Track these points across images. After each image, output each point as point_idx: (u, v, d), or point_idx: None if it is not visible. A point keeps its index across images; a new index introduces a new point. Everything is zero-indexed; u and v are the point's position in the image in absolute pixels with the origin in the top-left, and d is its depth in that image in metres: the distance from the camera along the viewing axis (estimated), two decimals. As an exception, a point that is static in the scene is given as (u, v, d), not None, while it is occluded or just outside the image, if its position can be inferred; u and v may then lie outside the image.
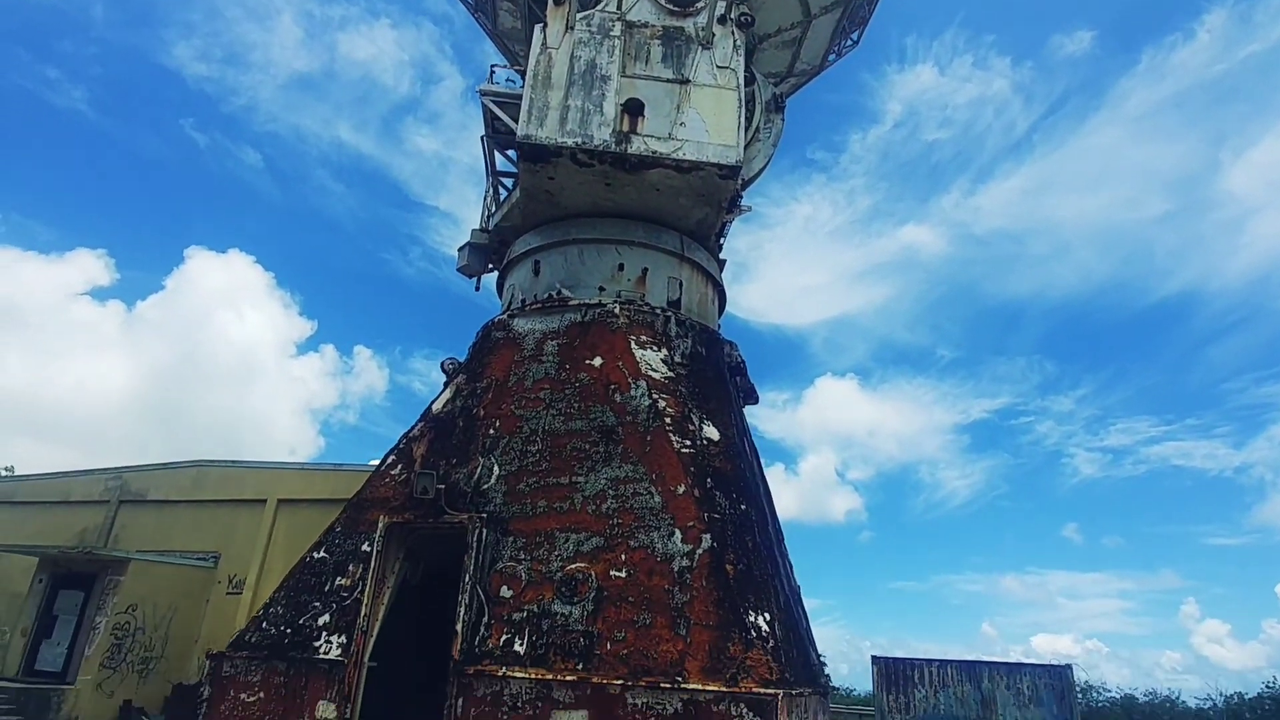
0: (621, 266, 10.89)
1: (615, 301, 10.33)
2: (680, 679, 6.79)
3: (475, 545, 7.99)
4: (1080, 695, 42.67)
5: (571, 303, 10.42)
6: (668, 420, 8.80)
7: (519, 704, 7.15)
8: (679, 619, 7.18)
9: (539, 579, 7.86)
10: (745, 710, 6.50)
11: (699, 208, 11.01)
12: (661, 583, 7.47)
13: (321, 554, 9.00)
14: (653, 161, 10.13)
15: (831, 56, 15.52)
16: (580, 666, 7.16)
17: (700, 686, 6.68)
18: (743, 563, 7.56)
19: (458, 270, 12.66)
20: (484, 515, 8.23)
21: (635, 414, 8.91)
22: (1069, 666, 27.52)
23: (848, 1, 14.14)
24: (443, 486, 8.38)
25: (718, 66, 10.79)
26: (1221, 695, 39.33)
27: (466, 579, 7.83)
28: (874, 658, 29.00)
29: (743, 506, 8.28)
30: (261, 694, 8.11)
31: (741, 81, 10.84)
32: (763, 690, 6.50)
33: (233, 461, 22.32)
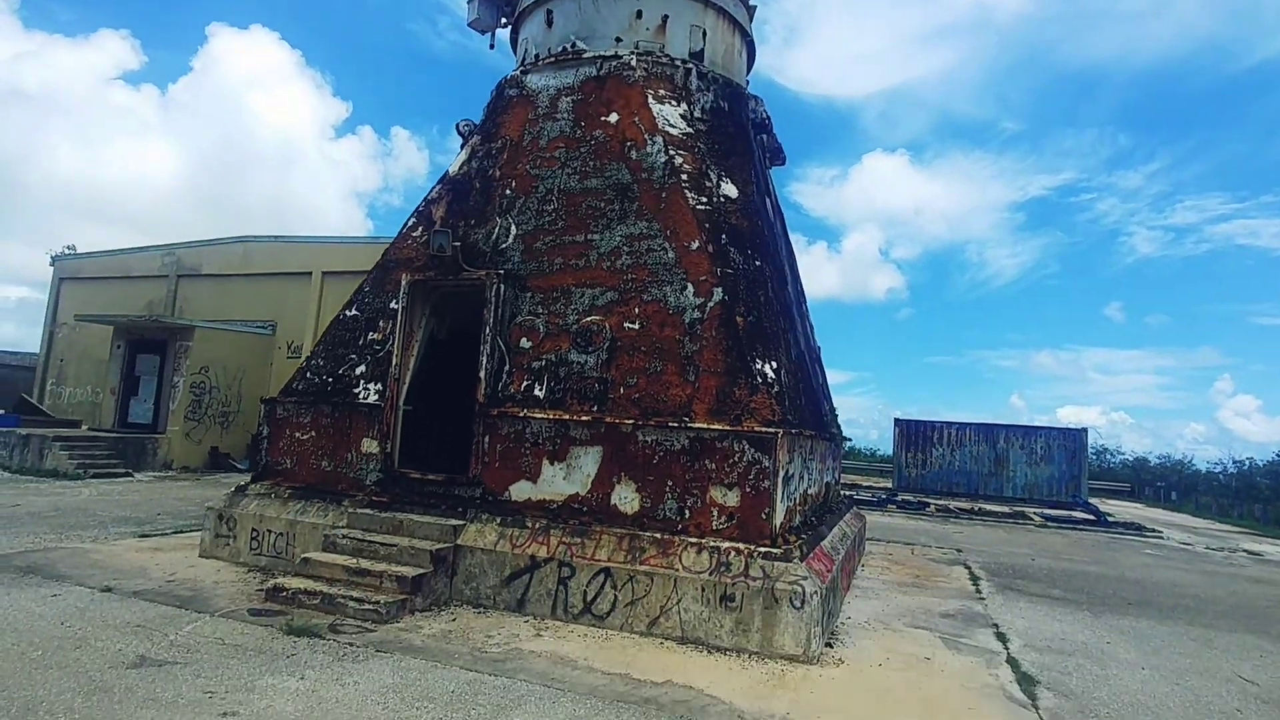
0: (640, 14, 10.00)
1: (632, 53, 9.63)
2: (688, 419, 7.25)
3: (494, 300, 8.27)
4: (1094, 457, 44.84)
5: (586, 55, 9.76)
6: (684, 177, 8.56)
7: (540, 441, 7.81)
8: (688, 366, 7.51)
9: (556, 331, 8.20)
10: (747, 446, 6.99)
11: (727, -63, 9.79)
12: (673, 334, 7.72)
13: (354, 312, 9.47)
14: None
15: None
16: (596, 409, 7.68)
17: (706, 425, 7.14)
18: (753, 315, 7.71)
19: (469, 25, 11.82)
20: (501, 272, 8.42)
21: (651, 171, 8.67)
22: (1084, 430, 28.69)
23: None
24: (458, 244, 8.51)
25: None
26: (1233, 460, 40.90)
27: (487, 331, 8.22)
28: (896, 419, 30.78)
29: (757, 263, 8.28)
30: (313, 432, 8.99)
31: None
32: (763, 429, 6.92)
33: (276, 237, 22.93)
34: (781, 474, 7.00)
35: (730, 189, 8.86)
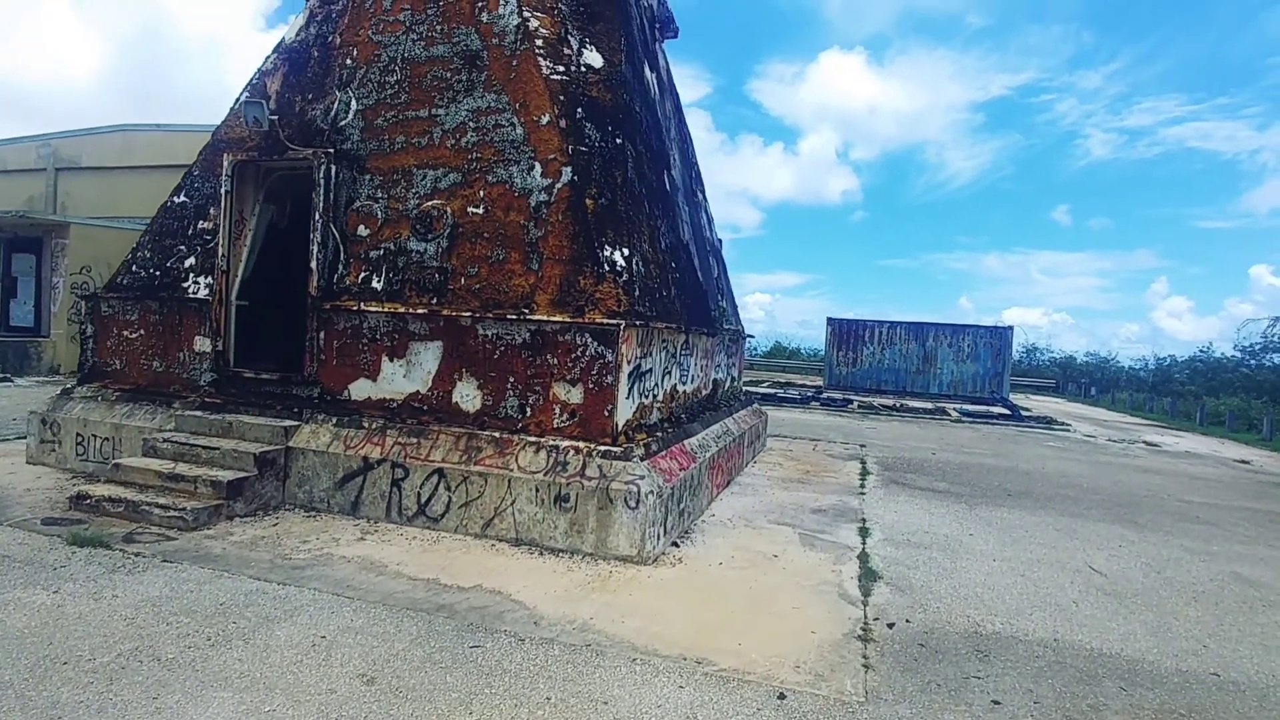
0: None
1: (490, -107, 8.40)
2: (528, 310, 6.67)
3: (324, 182, 7.42)
4: (1025, 355, 46.09)
5: (438, -104, 8.50)
6: (539, 43, 7.63)
7: (378, 336, 7.19)
8: (532, 254, 6.87)
9: (396, 217, 7.43)
10: (590, 339, 6.47)
11: None
12: (518, 218, 7.02)
13: (182, 198, 8.50)
14: None
15: None
16: (435, 301, 7.04)
17: (546, 317, 6.58)
18: (605, 198, 7.03)
19: None
20: (331, 151, 7.53)
21: (502, 36, 7.70)
22: (1009, 328, 29.08)
23: None
24: (276, 117, 7.54)
25: None
26: (1154, 357, 42.43)
27: (316, 217, 7.40)
28: (829, 319, 30.75)
29: (618, 140, 7.52)
30: (141, 331, 8.20)
31: None
32: (606, 321, 6.39)
33: (159, 125, 21.03)
34: (627, 369, 6.53)
35: (594, 57, 7.96)
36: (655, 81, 9.69)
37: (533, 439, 6.53)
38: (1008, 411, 24.02)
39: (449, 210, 7.23)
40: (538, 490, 6.23)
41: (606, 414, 6.40)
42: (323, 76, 8.27)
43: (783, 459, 11.98)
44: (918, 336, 29.25)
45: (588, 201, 6.93)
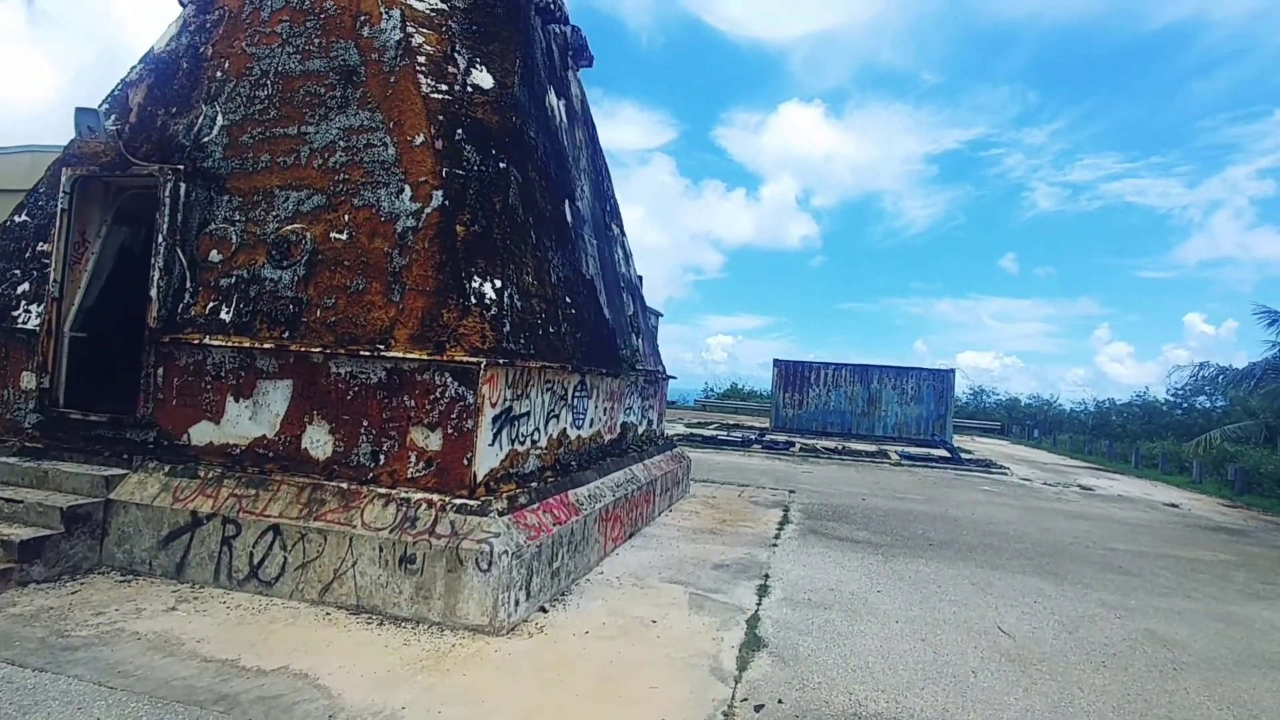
0: None
1: (378, -94, 7.95)
2: (384, 347, 6.01)
3: (169, 201, 6.71)
4: (972, 397, 46.58)
5: (323, -93, 8.02)
6: (421, 59, 7.11)
7: (223, 373, 6.43)
8: (394, 284, 6.24)
9: (253, 241, 6.74)
10: (450, 379, 5.83)
11: None
12: (382, 245, 6.40)
13: (23, 217, 7.69)
14: None
15: None
16: (286, 335, 6.34)
17: (403, 354, 5.93)
18: (479, 225, 6.46)
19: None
20: (180, 168, 6.84)
21: (382, 51, 7.17)
22: (951, 371, 29.18)
23: None
24: (117, 129, 6.85)
25: None
26: (1094, 400, 43.20)
27: (159, 239, 6.67)
28: (775, 360, 30.50)
29: (502, 165, 6.98)
30: (-36, 364, 7.30)
31: None
32: (466, 359, 5.76)
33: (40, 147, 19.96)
34: (491, 412, 5.89)
35: (483, 78, 7.46)
36: (563, 109, 9.25)
37: (384, 490, 5.82)
38: (948, 454, 23.87)
39: (309, 235, 6.58)
40: (382, 550, 5.50)
41: (465, 463, 5.73)
42: (190, 89, 7.62)
43: (702, 506, 11.37)
44: (863, 379, 29.17)
45: (458, 228, 6.34)
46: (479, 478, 5.74)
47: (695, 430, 27.12)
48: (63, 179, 7.05)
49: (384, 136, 6.80)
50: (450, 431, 5.80)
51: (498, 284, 6.31)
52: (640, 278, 12.01)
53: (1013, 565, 9.02)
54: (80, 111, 6.61)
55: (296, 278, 6.49)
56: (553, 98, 8.89)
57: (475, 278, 6.21)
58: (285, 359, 6.24)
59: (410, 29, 7.26)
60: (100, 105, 7.93)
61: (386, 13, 7.34)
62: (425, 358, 5.86)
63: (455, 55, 7.38)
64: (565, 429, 7.50)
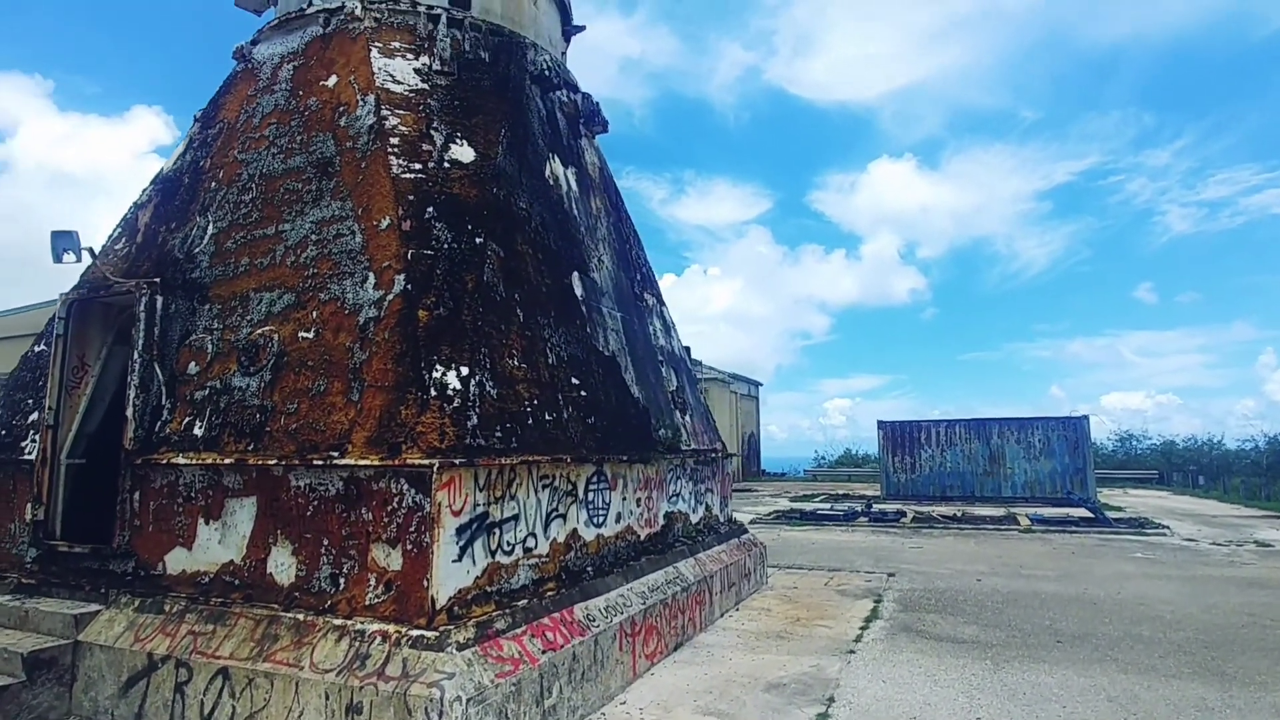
0: (382, -45, 8.24)
1: (362, 1, 7.85)
2: (337, 454, 5.32)
3: (144, 315, 6.47)
4: (1119, 444, 41.61)
5: (311, 11, 8.02)
6: (393, 141, 6.71)
7: (193, 494, 5.94)
8: (354, 382, 5.60)
9: (226, 349, 6.36)
10: (405, 486, 5.04)
11: None
12: (345, 340, 5.82)
13: (41, 347, 7.74)
14: None
15: None
16: (251, 446, 5.79)
17: (356, 461, 5.21)
18: (445, 307, 5.78)
19: (236, 6, 10.19)
20: (156, 280, 6.63)
21: (356, 138, 6.84)
22: (1084, 418, 25.88)
23: None
24: (89, 249, 6.75)
25: None
26: (1265, 435, 37.29)
27: (135, 355, 6.40)
28: (879, 423, 28.21)
29: (478, 240, 6.34)
30: (-21, 499, 7.24)
31: None
32: (419, 462, 4.96)
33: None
34: (453, 522, 5.02)
35: (463, 152, 6.97)
36: (572, 177, 8.66)
37: (339, 621, 5.01)
38: (1091, 514, 20.83)
39: (277, 337, 6.11)
40: (328, 697, 4.64)
41: (424, 584, 4.85)
42: (188, 203, 7.57)
43: (777, 601, 9.92)
44: (981, 434, 26.43)
45: (420, 313, 5.69)
46: (439, 602, 4.83)
47: (798, 505, 25.22)
48: (58, 302, 7.02)
49: (352, 225, 6.34)
50: (409, 548, 4.96)
51: (464, 371, 5.54)
52: (688, 348, 11.06)
53: (1166, 665, 7.06)
54: (55, 235, 6.57)
55: (263, 384, 5.99)
56: (556, 166, 8.33)
57: (438, 367, 5.48)
58: (248, 474, 5.67)
59: (385, 112, 6.92)
60: (115, 230, 8.04)
61: (362, 99, 7.05)
62: (378, 463, 5.11)
63: (431, 132, 6.94)
64: (576, 530, 6.51)
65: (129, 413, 6.30)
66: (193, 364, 6.46)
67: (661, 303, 10.53)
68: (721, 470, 10.82)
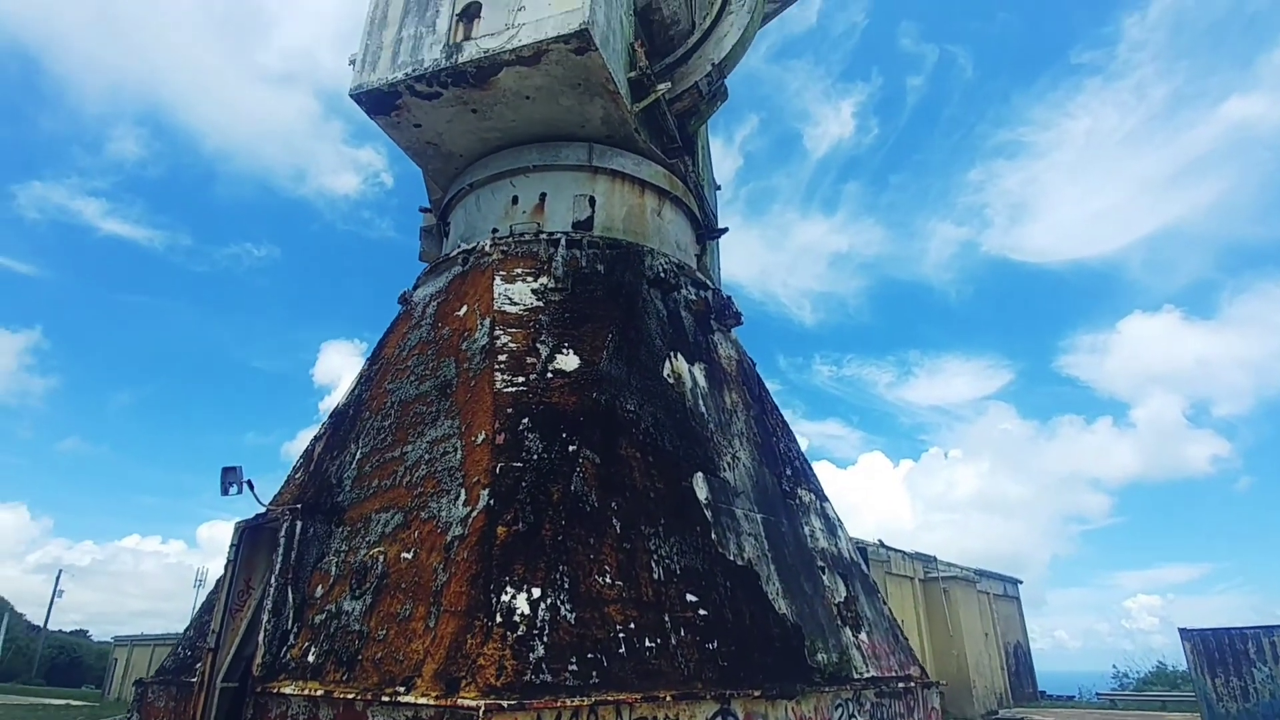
0: (515, 200, 9.23)
1: (492, 238, 8.72)
2: (404, 689, 5.00)
3: (284, 540, 6.91)
4: None
5: (453, 254, 9.03)
6: (501, 358, 6.99)
7: (298, 726, 5.88)
8: (433, 607, 5.39)
9: (346, 571, 6.54)
10: (459, 729, 4.53)
11: (591, 103, 8.93)
12: (434, 561, 5.72)
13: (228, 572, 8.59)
14: (490, 62, 8.39)
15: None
16: (345, 677, 5.69)
17: (415, 700, 4.84)
18: (524, 523, 5.50)
19: (421, 260, 11.89)
20: (297, 506, 7.15)
21: (471, 359, 7.24)
22: None
23: None
24: (249, 481, 7.45)
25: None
26: None
27: (271, 580, 6.78)
28: (1182, 631, 22.34)
29: (571, 448, 6.15)
30: (162, 720, 7.81)
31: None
32: (469, 703, 4.48)
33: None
34: (504, 778, 4.35)
35: (569, 360, 7.06)
36: (700, 374, 8.42)
37: None
38: None
39: (383, 558, 6.19)
40: None
41: None
42: (347, 433, 8.36)
43: None
44: (1329, 641, 19.92)
45: (499, 529, 5.47)
46: None
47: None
48: (231, 531, 7.81)
49: (456, 441, 6.51)
50: (459, 809, 4.35)
51: (535, 592, 5.11)
52: (863, 550, 9.69)
53: None
54: (225, 470, 7.44)
55: (364, 607, 6.00)
56: (679, 363, 8.16)
57: (508, 589, 5.11)
58: (336, 708, 5.51)
59: (498, 331, 7.30)
60: (298, 460, 9.04)
61: (481, 323, 7.54)
62: (433, 703, 4.69)
63: (538, 345, 7.16)
64: (688, 784, 5.44)
65: (260, 638, 6.58)
66: (320, 587, 6.71)
67: (823, 499, 9.48)
68: (923, 702, 8.88)
